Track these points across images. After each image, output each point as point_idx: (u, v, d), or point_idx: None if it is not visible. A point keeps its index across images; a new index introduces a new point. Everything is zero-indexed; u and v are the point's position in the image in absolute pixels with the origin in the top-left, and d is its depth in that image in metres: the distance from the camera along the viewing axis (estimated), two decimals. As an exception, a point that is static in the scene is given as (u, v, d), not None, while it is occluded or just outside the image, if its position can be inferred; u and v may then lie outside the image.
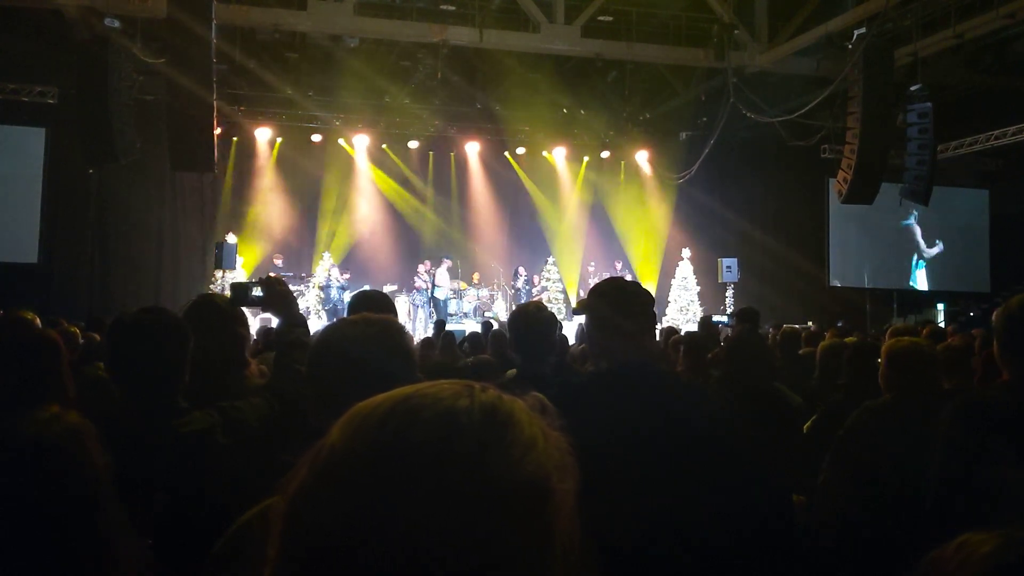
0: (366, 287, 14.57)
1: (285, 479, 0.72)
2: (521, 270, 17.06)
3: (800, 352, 6.09)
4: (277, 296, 2.49)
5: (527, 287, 16.91)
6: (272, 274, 15.64)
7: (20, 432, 1.42)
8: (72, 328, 4.92)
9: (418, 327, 15.02)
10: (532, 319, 2.97)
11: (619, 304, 2.07)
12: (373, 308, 2.41)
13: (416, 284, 15.88)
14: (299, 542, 0.68)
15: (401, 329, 1.76)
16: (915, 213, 19.45)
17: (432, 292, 15.38)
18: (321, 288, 15.84)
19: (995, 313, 2.36)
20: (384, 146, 17.49)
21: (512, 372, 3.05)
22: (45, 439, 1.41)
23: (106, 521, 1.41)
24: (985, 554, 0.84)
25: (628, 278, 15.51)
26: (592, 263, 17.60)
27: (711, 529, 1.63)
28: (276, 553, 0.70)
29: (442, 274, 15.47)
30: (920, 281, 20.05)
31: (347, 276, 15.87)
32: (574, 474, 0.73)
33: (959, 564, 0.85)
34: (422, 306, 15.69)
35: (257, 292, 2.49)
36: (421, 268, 15.95)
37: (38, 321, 4.22)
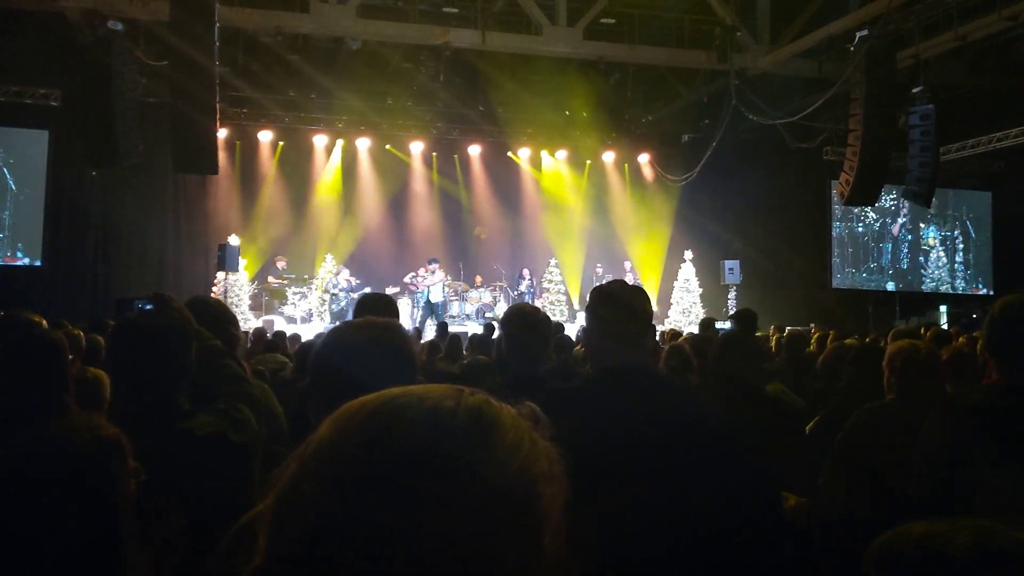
0: (367, 289, 14.56)
1: (275, 473, 0.72)
2: (525, 272, 17.00)
3: (805, 354, 6.10)
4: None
5: (531, 290, 16.83)
6: (270, 277, 15.74)
7: (58, 439, 1.41)
8: (76, 331, 4.92)
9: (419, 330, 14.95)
10: (526, 319, 2.83)
11: (615, 306, 2.06)
12: (376, 310, 2.42)
13: (411, 285, 15.75)
14: (284, 535, 0.68)
15: (403, 332, 1.77)
16: (917, 215, 19.45)
17: (428, 295, 15.31)
18: (330, 292, 15.76)
19: (986, 316, 2.34)
20: (387, 148, 17.50)
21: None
22: (85, 448, 1.40)
23: (127, 532, 1.41)
24: (964, 545, 0.83)
25: (630, 279, 15.31)
26: (599, 265, 17.57)
27: (705, 530, 1.63)
28: (264, 545, 0.70)
29: (438, 276, 15.40)
30: (922, 283, 20.04)
31: (355, 279, 15.75)
32: (563, 484, 0.73)
33: (933, 556, 0.84)
34: (417, 308, 15.59)
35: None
36: (422, 271, 15.90)
37: (44, 323, 4.23)
